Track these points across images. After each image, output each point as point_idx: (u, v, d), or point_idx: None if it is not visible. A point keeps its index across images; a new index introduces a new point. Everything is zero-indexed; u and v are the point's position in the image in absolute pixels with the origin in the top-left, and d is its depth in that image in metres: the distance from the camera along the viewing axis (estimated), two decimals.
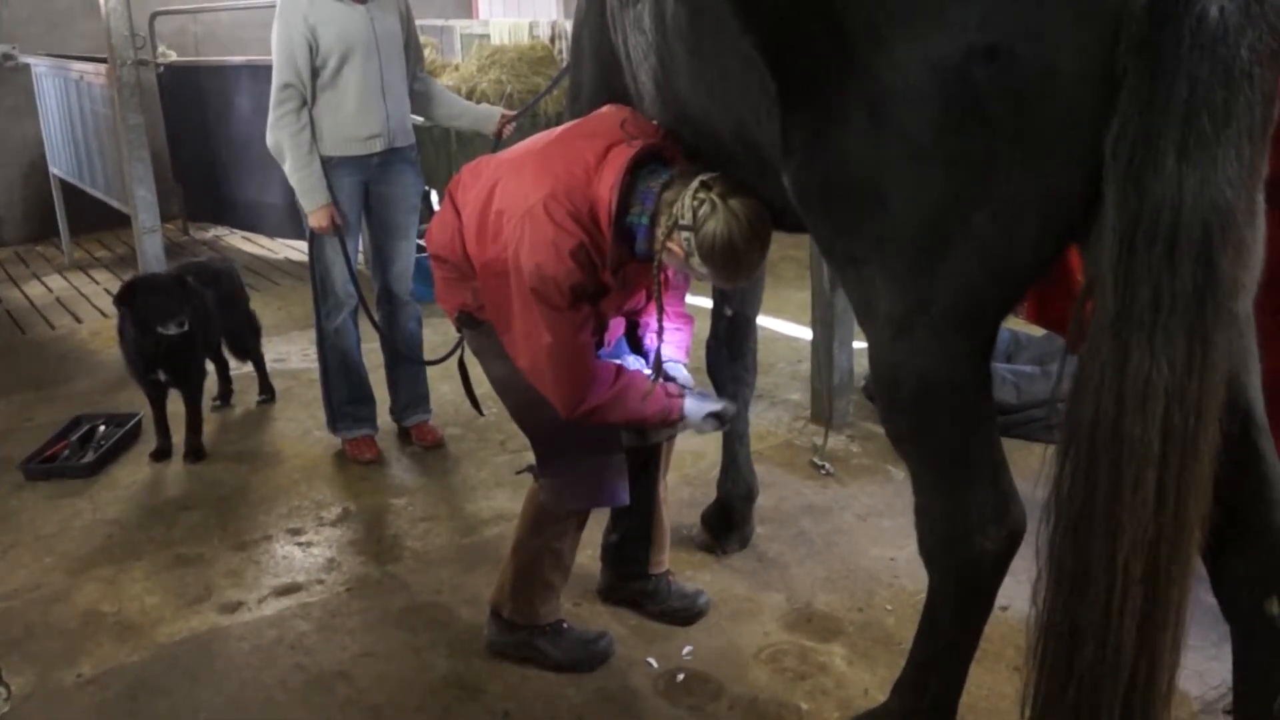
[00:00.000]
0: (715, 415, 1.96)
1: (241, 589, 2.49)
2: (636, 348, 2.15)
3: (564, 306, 1.75)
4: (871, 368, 1.54)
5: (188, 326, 2.99)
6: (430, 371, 3.21)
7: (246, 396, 3.61)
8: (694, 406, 1.96)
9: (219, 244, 5.76)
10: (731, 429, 2.40)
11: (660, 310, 1.83)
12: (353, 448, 3.14)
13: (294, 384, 3.75)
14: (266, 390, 3.56)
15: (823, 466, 2.94)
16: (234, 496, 2.94)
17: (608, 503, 2.12)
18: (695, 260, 1.72)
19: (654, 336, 2.04)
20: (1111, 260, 1.22)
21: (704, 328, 2.40)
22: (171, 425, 3.18)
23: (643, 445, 2.14)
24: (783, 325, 4.10)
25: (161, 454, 3.14)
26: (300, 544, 2.70)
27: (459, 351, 2.15)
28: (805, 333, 3.67)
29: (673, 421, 1.95)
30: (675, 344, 2.12)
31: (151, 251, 4.40)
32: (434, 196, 4.35)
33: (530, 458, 2.10)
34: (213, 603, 2.44)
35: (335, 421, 3.17)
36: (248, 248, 5.69)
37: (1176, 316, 1.18)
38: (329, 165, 2.89)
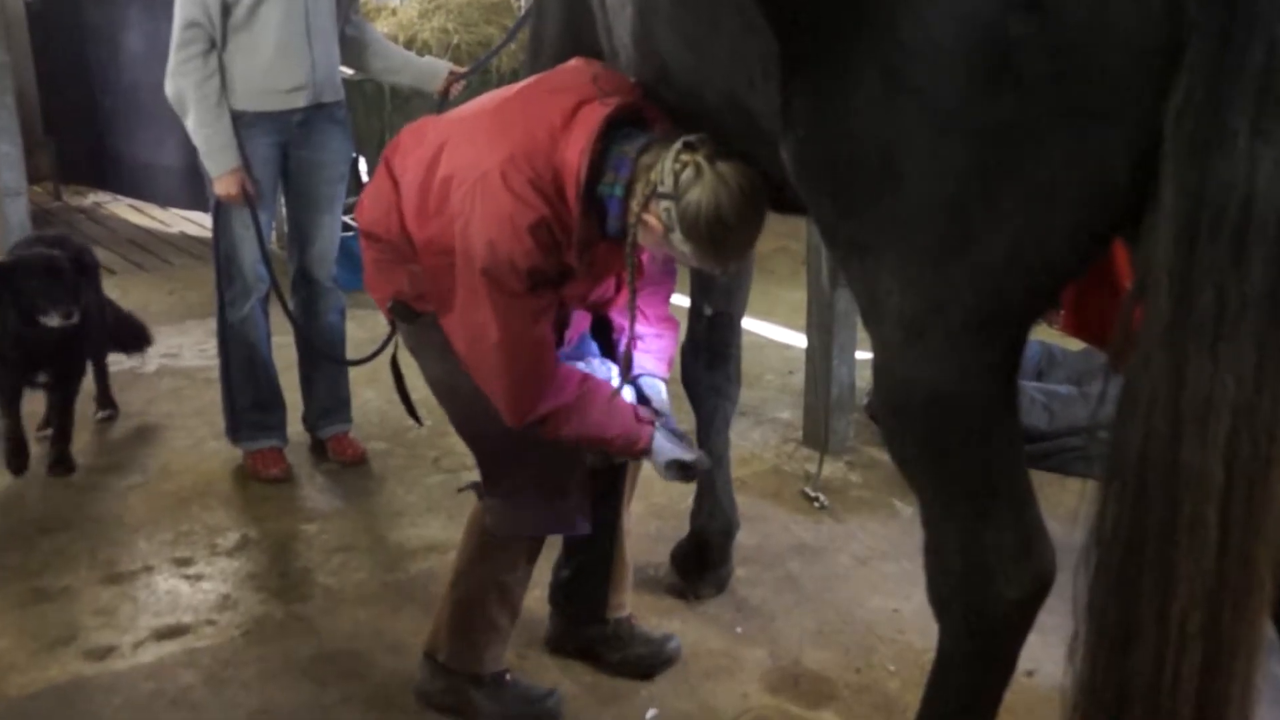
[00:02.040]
0: (682, 466, 1.92)
1: (114, 631, 2.42)
2: (608, 350, 2.12)
3: (519, 292, 1.73)
4: (876, 380, 1.52)
5: (76, 318, 2.87)
6: (353, 374, 3.16)
7: (129, 398, 3.53)
8: (662, 445, 1.93)
9: (99, 213, 5.55)
10: (708, 449, 2.37)
11: (633, 299, 1.81)
12: (256, 462, 3.08)
13: (187, 384, 3.67)
14: (107, 404, 3.36)
15: (816, 498, 2.93)
16: (108, 518, 2.86)
17: (565, 530, 2.09)
18: (676, 236, 1.69)
19: (625, 334, 2.01)
20: (1167, 257, 1.20)
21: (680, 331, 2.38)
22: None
23: (607, 466, 2.11)
24: (773, 329, 4.10)
25: (17, 465, 3.00)
26: (188, 577, 2.63)
27: (390, 349, 2.11)
28: (799, 339, 3.67)
29: (638, 451, 1.93)
30: (655, 353, 2.10)
31: (15, 219, 4.24)
32: (364, 166, 4.30)
33: (473, 476, 2.07)
34: (78, 647, 2.36)
35: (236, 430, 3.10)
36: (135, 219, 5.50)
37: (1245, 324, 1.16)
38: (241, 122, 2.82)
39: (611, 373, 2.04)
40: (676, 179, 1.66)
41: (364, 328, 3.59)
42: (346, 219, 3.14)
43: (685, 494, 2.76)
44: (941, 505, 1.51)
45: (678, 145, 1.68)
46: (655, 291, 2.10)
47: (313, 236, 3.04)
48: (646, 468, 2.07)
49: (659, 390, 2.06)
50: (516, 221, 1.69)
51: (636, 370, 2.07)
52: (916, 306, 1.40)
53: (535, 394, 1.80)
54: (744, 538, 2.65)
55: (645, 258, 1.91)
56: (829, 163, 1.43)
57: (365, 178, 4.35)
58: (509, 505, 2.00)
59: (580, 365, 2.03)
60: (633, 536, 2.30)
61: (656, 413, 2.00)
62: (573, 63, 1.89)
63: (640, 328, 2.06)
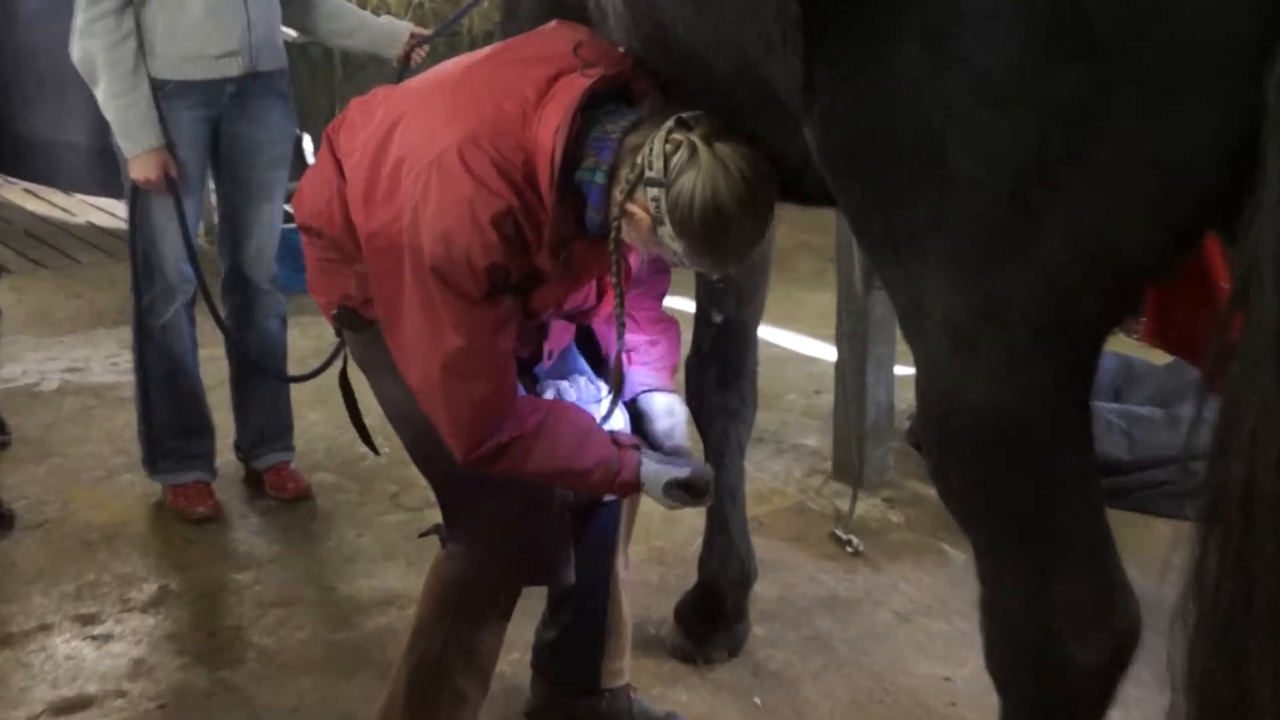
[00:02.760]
0: (683, 485, 1.92)
1: (3, 705, 2.41)
2: (599, 365, 2.12)
3: (476, 297, 1.73)
4: (919, 401, 1.52)
5: None
6: (296, 393, 3.17)
7: (24, 421, 3.52)
8: (652, 469, 1.92)
9: None
10: (720, 485, 2.37)
11: (620, 309, 1.80)
12: (179, 498, 3.08)
13: (96, 405, 3.67)
14: None
15: (848, 542, 2.93)
16: None
17: (546, 581, 2.09)
18: (666, 230, 1.69)
19: (611, 346, 2.02)
20: (1272, 253, 1.20)
21: (683, 341, 2.39)
22: None
23: (594, 503, 2.11)
24: (795, 339, 4.11)
25: None
26: (94, 638, 2.62)
27: (339, 364, 2.12)
28: (827, 351, 3.68)
29: (622, 484, 1.92)
30: (653, 363, 2.10)
31: None
32: (309, 146, 4.32)
33: (435, 516, 2.07)
34: None
35: (155, 460, 3.10)
36: (33, 206, 5.50)
37: None
38: (163, 93, 2.83)
39: (603, 393, 2.04)
40: (667, 162, 1.66)
41: (309, 337, 3.60)
42: (289, 208, 3.15)
43: (692, 535, 2.76)
44: (1000, 552, 1.51)
45: (669, 123, 1.68)
46: (646, 291, 2.10)
47: (249, 229, 3.05)
48: (646, 502, 2.07)
49: (670, 406, 2.06)
50: (476, 210, 1.68)
51: (634, 389, 2.07)
52: (967, 312, 1.41)
53: (487, 422, 1.79)
54: (763, 589, 2.64)
55: (633, 259, 1.92)
56: (861, 143, 1.44)
57: (311, 159, 4.38)
58: (476, 551, 1.99)
59: (564, 385, 2.04)
60: (630, 588, 2.30)
61: (643, 437, 2.00)
62: (551, 26, 1.89)
63: (630, 337, 2.06)
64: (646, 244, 1.75)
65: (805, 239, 4.65)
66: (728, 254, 1.72)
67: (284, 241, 3.14)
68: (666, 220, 1.67)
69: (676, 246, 1.70)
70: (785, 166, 1.69)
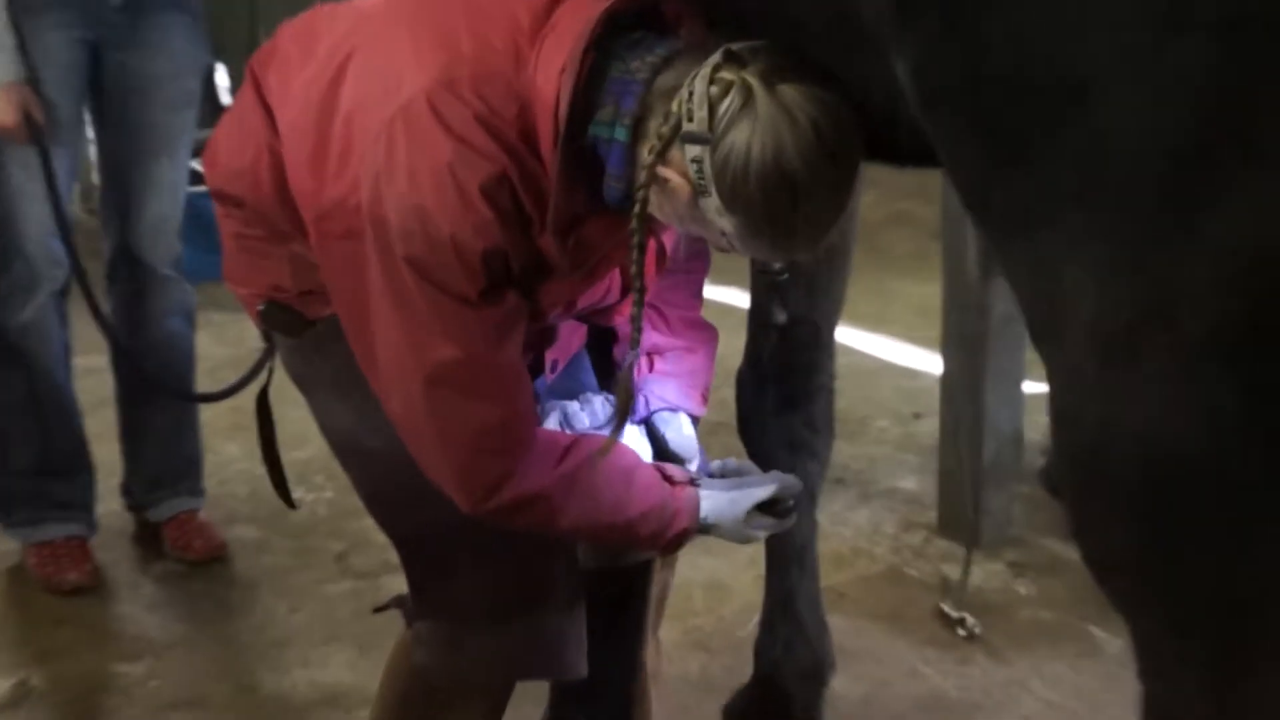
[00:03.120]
0: (770, 509, 1.99)
1: None
2: (607, 378, 2.15)
3: (471, 294, 1.74)
4: (1057, 429, 1.52)
5: None
6: (207, 417, 3.20)
7: None
8: (722, 501, 1.96)
9: None
10: (785, 545, 2.40)
11: (640, 301, 1.80)
12: (45, 562, 3.12)
13: None
14: None
15: (960, 622, 2.97)
16: None
17: (548, 675, 2.12)
18: (712, 204, 1.69)
19: (634, 356, 2.02)
20: None
21: (732, 349, 2.42)
22: None
23: (613, 568, 2.14)
24: (888, 346, 4.18)
25: None
26: None
27: (263, 379, 2.15)
28: (930, 361, 3.73)
29: (678, 533, 1.95)
30: (680, 378, 2.12)
31: None
32: (224, 79, 4.35)
33: (398, 585, 2.09)
34: None
35: (11, 509, 3.15)
36: None
37: None
38: (25, 8, 2.88)
39: (605, 415, 2.08)
40: (713, 110, 1.65)
41: (225, 342, 3.66)
42: (197, 165, 3.19)
43: (745, 612, 2.79)
44: (1173, 638, 1.51)
45: (715, 57, 1.67)
46: (680, 282, 2.12)
47: (141, 194, 3.09)
48: (685, 567, 2.10)
49: (679, 429, 2.10)
50: (461, 178, 1.70)
51: (650, 406, 2.11)
52: (1124, 310, 1.41)
53: (501, 459, 1.81)
54: (843, 686, 2.66)
55: (667, 238, 1.93)
56: (977, 82, 1.45)
57: (227, 100, 4.42)
58: (454, 634, 2.02)
59: (572, 407, 2.06)
60: (664, 683, 2.33)
61: (686, 467, 2.03)
62: None
63: (656, 337, 2.08)
64: (684, 221, 1.76)
65: (901, 208, 4.66)
66: (796, 235, 1.70)
67: (191, 211, 3.17)
68: (712, 189, 1.67)
69: (725, 225, 1.69)
70: (870, 113, 1.68)
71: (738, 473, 2.05)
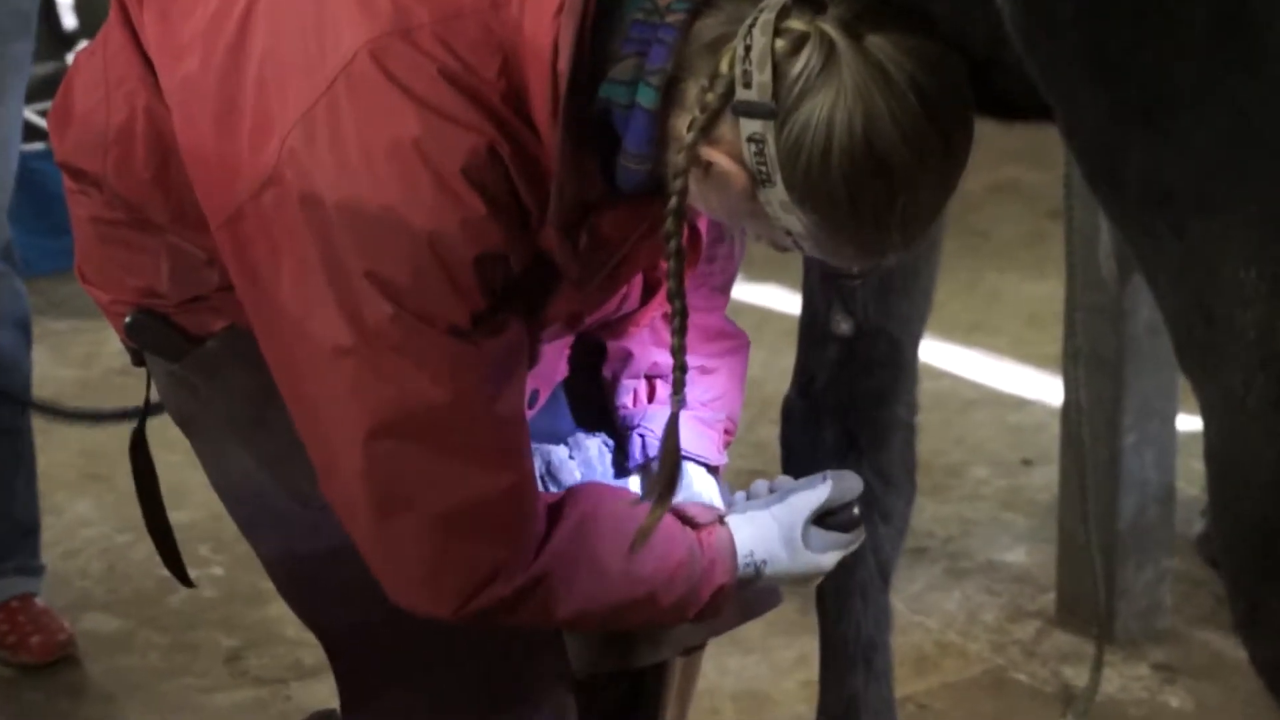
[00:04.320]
0: (830, 522, 2.02)
1: None
2: (600, 417, 2.19)
3: (463, 323, 1.76)
4: (1217, 485, 1.56)
5: None
6: (47, 466, 3.21)
7: None
8: (764, 522, 1.98)
9: None
10: (843, 640, 2.44)
11: (682, 325, 1.79)
12: None
13: None
14: None
15: None
16: None
17: None
18: (777, 195, 1.71)
19: (655, 390, 2.07)
20: None
21: (775, 370, 2.42)
22: None
23: (617, 670, 2.17)
24: (989, 366, 4.16)
25: None
26: None
27: (138, 417, 2.17)
28: (1046, 388, 3.71)
29: (719, 595, 1.98)
30: (694, 411, 2.15)
31: None
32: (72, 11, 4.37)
33: (317, 695, 2.13)
34: None
35: None
36: None
37: None
38: None
39: (612, 465, 2.13)
40: (779, 72, 1.67)
41: (71, 362, 3.65)
42: (36, 119, 3.21)
43: (790, 709, 2.81)
44: None
45: (779, 2, 1.68)
46: (696, 275, 2.12)
47: None
48: (712, 660, 2.11)
49: (689, 487, 2.11)
50: (433, 159, 1.71)
51: (650, 452, 2.15)
52: None
53: (501, 548, 1.83)
54: None
55: (702, 225, 1.97)
56: (1098, 10, 1.48)
57: (73, 22, 4.43)
58: None
59: (556, 453, 2.11)
60: None
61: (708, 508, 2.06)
62: None
63: (661, 353, 2.12)
64: (734, 216, 1.80)
65: (1007, 176, 4.64)
66: (889, 234, 1.73)
67: (25, 178, 3.19)
68: (777, 178, 1.70)
69: (793, 223, 1.72)
70: (969, 59, 1.71)
71: (773, 490, 2.06)
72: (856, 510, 2.05)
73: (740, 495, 2.10)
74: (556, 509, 1.90)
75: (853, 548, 2.08)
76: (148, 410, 2.14)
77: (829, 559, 2.03)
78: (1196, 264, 1.50)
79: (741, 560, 1.97)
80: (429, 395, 1.76)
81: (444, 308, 1.74)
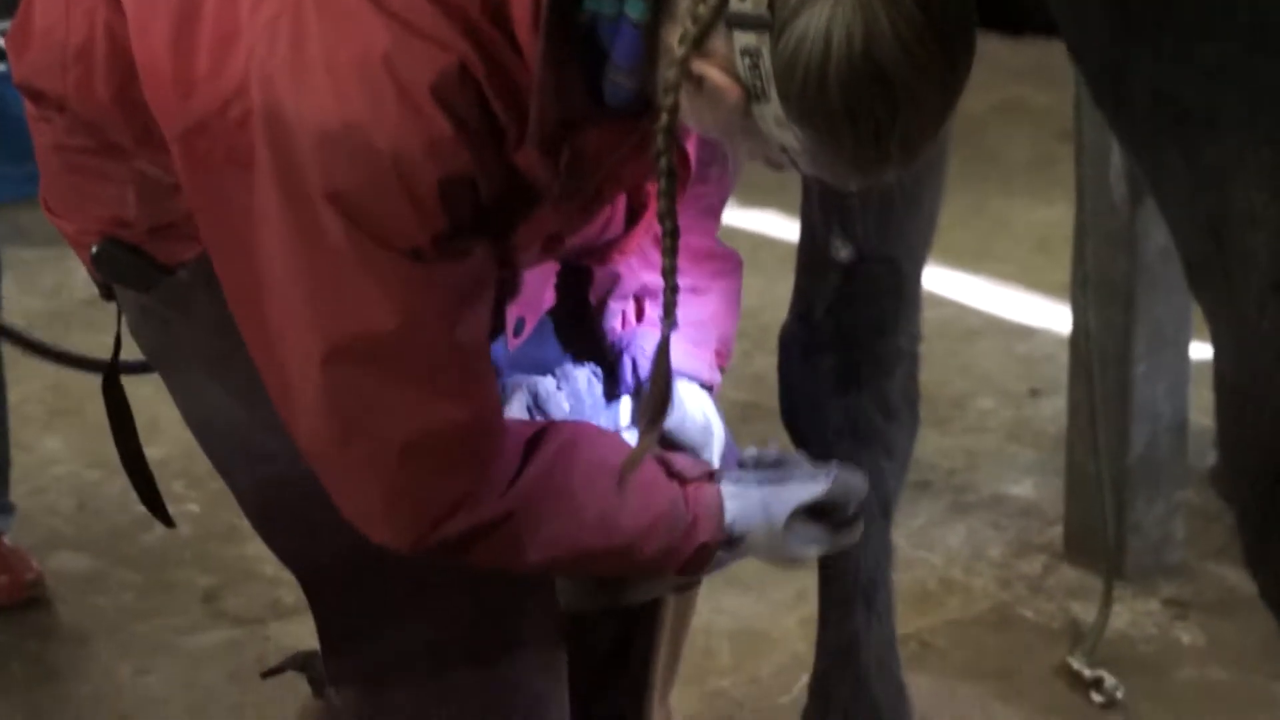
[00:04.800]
0: (823, 517, 2.02)
1: None
2: (593, 348, 2.18)
3: (423, 243, 1.76)
4: (1226, 416, 1.56)
5: None
6: (13, 399, 3.21)
7: None
8: (752, 499, 1.98)
9: None
10: (846, 570, 2.45)
11: (673, 248, 1.78)
12: None
13: None
14: None
15: (1097, 682, 3.00)
16: None
17: None
18: (771, 112, 1.70)
19: (644, 310, 2.06)
20: None
21: (772, 298, 2.42)
22: None
23: (608, 608, 2.19)
24: (994, 293, 4.16)
25: None
26: None
27: (110, 355, 2.16)
28: (1054, 315, 3.73)
29: (700, 552, 1.98)
30: (684, 331, 2.13)
31: None
32: None
33: (294, 635, 2.13)
34: None
35: None
36: None
37: None
38: None
39: (621, 404, 2.11)
40: None
41: (38, 292, 3.66)
42: None
43: (788, 670, 2.85)
44: None
45: None
46: (691, 198, 2.11)
47: None
48: (705, 613, 2.11)
49: (683, 407, 2.12)
50: (401, 75, 1.71)
51: (642, 373, 2.14)
52: None
53: (460, 480, 1.83)
54: None
55: (690, 146, 1.95)
56: None
57: None
58: (385, 704, 2.05)
59: (544, 385, 2.10)
60: None
61: (697, 458, 2.06)
62: None
63: (650, 274, 2.10)
64: (728, 133, 1.79)
65: (1014, 95, 4.63)
66: (889, 150, 1.73)
67: None
68: (772, 93, 1.69)
69: (789, 139, 1.72)
70: None
71: (777, 464, 2.06)
72: (853, 511, 2.04)
73: (749, 453, 2.09)
74: (533, 443, 1.89)
75: (839, 548, 2.08)
76: (120, 347, 2.13)
77: (808, 553, 2.04)
78: (1207, 186, 1.50)
79: (726, 525, 1.97)
80: (385, 320, 1.76)
81: (405, 230, 1.74)
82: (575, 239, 1.99)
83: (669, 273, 1.79)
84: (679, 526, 1.93)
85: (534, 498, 1.86)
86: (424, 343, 1.78)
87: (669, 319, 1.81)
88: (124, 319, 2.08)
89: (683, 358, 2.11)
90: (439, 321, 1.78)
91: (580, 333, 2.19)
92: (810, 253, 2.47)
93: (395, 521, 1.83)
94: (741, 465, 2.07)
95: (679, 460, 1.99)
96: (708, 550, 1.96)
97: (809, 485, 2.00)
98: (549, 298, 2.12)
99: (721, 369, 2.21)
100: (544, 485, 1.87)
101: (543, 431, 1.91)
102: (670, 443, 2.08)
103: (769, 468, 2.05)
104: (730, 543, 1.98)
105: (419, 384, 1.80)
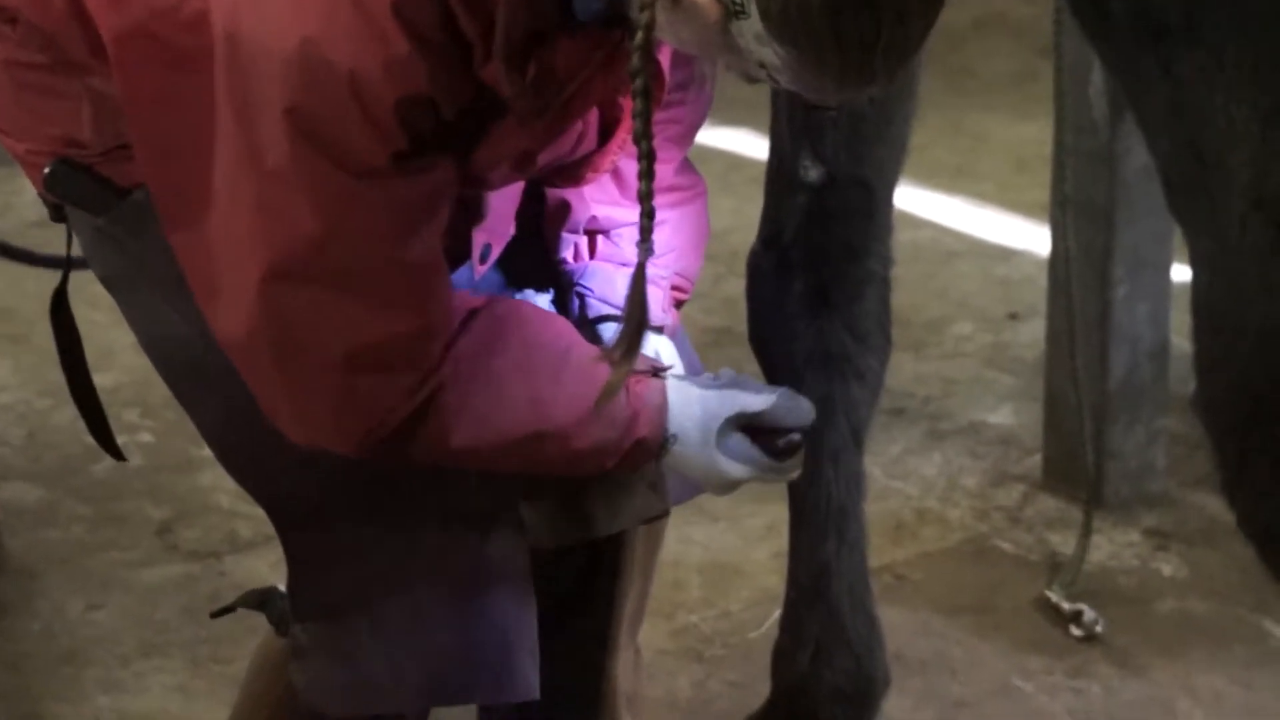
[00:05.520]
0: (764, 438, 2.02)
1: None
2: (552, 279, 2.19)
3: (379, 161, 1.77)
4: (1203, 339, 1.60)
5: None
6: None
7: None
8: (690, 398, 1.99)
9: None
10: (813, 503, 2.47)
11: (648, 171, 1.77)
12: None
13: None
14: None
15: (1076, 616, 3.02)
16: None
17: (484, 695, 2.17)
18: (751, 29, 1.69)
19: (647, 250, 2.07)
20: None
21: (740, 221, 2.43)
22: None
23: (574, 542, 2.19)
24: (971, 214, 4.15)
25: None
26: None
27: (61, 276, 2.16)
28: (1033, 236, 3.72)
29: (638, 448, 1.98)
30: (658, 251, 2.11)
31: None
32: None
33: (252, 570, 2.14)
34: None
35: None
36: None
37: None
38: None
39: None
40: None
41: None
42: None
43: (759, 603, 2.87)
44: None
45: None
46: (662, 121, 2.11)
47: None
48: (673, 544, 2.12)
49: (649, 345, 2.10)
50: None
51: (590, 311, 2.15)
52: None
53: (404, 378, 1.84)
54: (903, 710, 2.73)
55: (663, 55, 1.93)
56: None
57: None
58: (349, 642, 2.06)
59: None
60: (643, 708, 2.38)
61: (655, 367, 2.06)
62: None
63: (602, 205, 2.12)
64: (706, 49, 1.79)
65: (996, 10, 4.59)
66: (872, 66, 1.72)
67: None
68: (752, 8, 1.69)
69: (768, 56, 1.71)
70: None
71: (733, 383, 2.05)
72: (796, 438, 2.02)
73: (704, 377, 2.09)
74: (471, 314, 1.90)
75: (773, 478, 2.08)
76: (70, 266, 2.13)
77: (737, 471, 2.02)
78: (1187, 101, 1.50)
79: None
80: (328, 235, 1.77)
81: (358, 146, 1.75)
82: (548, 157, 1.99)
83: (645, 196, 1.79)
84: (618, 418, 1.93)
85: (462, 371, 1.87)
86: (371, 260, 1.80)
87: (645, 244, 1.81)
88: (77, 242, 2.08)
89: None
90: (390, 237, 1.79)
91: (532, 264, 2.19)
92: (779, 174, 2.47)
93: (340, 430, 1.85)
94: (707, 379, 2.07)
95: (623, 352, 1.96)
96: (646, 446, 1.97)
97: (754, 396, 2.00)
98: (505, 230, 2.12)
99: (680, 303, 2.20)
100: (472, 359, 1.88)
101: (489, 304, 1.92)
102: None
103: (722, 382, 2.04)
104: (663, 447, 1.98)
105: (364, 300, 1.81)
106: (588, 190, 2.13)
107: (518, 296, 2.13)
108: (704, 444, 1.98)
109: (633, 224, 2.03)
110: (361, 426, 1.85)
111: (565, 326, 1.98)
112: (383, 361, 1.83)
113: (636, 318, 1.83)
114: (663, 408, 1.97)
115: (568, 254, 2.16)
